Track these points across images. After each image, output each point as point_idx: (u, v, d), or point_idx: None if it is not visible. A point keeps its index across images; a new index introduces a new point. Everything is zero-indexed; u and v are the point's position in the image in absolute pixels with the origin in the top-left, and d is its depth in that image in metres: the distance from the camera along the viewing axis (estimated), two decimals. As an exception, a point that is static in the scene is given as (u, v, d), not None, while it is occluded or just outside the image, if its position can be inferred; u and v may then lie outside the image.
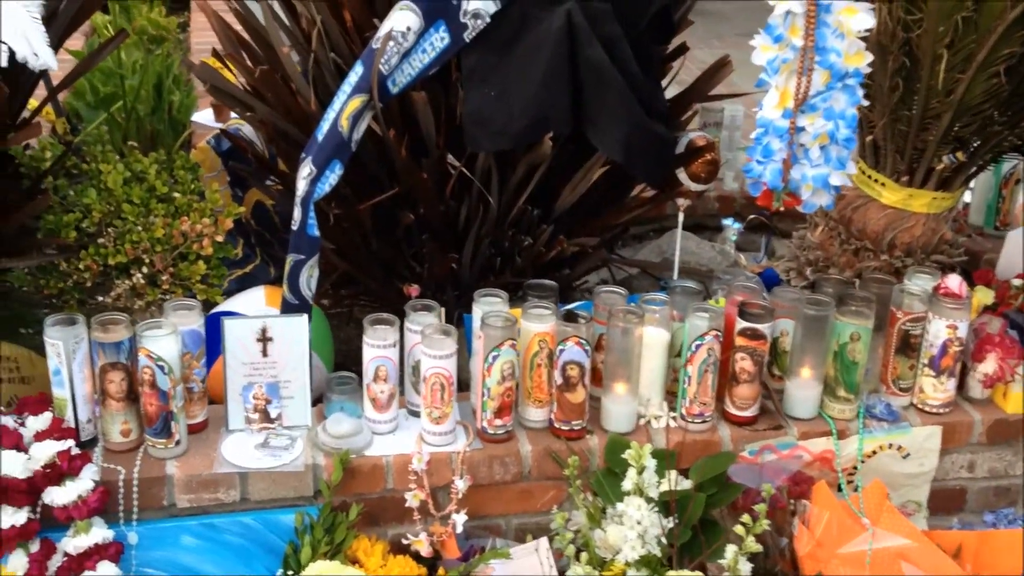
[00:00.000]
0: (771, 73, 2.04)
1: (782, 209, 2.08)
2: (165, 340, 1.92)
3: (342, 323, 2.89)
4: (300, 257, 2.26)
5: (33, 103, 2.75)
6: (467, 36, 2.25)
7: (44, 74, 2.57)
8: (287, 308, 2.30)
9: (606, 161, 2.35)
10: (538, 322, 2.03)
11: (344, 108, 2.23)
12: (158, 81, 3.36)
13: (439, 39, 2.26)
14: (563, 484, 2.08)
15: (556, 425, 2.07)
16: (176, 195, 2.64)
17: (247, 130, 3.04)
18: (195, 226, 2.57)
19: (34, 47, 2.20)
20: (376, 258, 2.64)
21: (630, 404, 2.07)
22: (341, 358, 2.61)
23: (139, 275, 2.55)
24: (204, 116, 3.57)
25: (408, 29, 2.22)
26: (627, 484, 1.88)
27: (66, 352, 1.92)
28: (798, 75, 2.00)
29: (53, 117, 2.98)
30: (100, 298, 2.60)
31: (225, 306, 2.50)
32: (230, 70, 2.77)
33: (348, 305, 2.99)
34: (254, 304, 2.47)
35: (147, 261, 2.56)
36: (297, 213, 2.26)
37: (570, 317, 2.03)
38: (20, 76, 2.42)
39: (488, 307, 2.09)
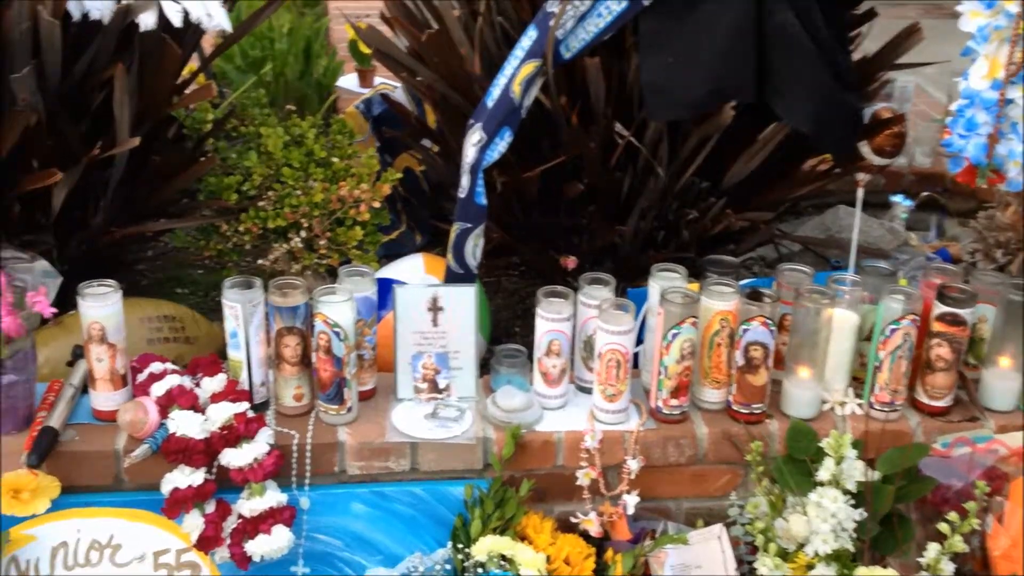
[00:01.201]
0: (980, 41, 1.91)
1: (985, 186, 1.95)
2: (341, 307, 1.89)
3: (491, 292, 2.85)
4: (467, 226, 2.21)
5: (188, 67, 2.76)
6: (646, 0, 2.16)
7: (199, 38, 2.57)
8: (451, 277, 2.26)
9: (787, 132, 2.25)
10: (720, 300, 1.95)
11: (517, 73, 2.17)
12: (307, 45, 3.36)
13: (616, 2, 2.18)
14: (738, 469, 2.01)
15: (735, 408, 1.99)
16: (334, 160, 2.62)
17: (398, 95, 3.01)
18: (353, 191, 2.55)
19: (208, 8, 2.19)
20: (534, 228, 2.58)
21: (814, 389, 1.98)
22: (491, 328, 2.56)
23: (297, 239, 2.54)
24: (348, 81, 3.56)
25: (586, -8, 2.15)
26: (823, 474, 1.79)
27: (243, 315, 1.90)
28: (1011, 43, 1.87)
29: (203, 80, 2.99)
30: (258, 261, 2.61)
31: (384, 273, 2.47)
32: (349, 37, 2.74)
33: (498, 275, 2.95)
34: (413, 271, 2.44)
35: (305, 225, 2.55)
36: (465, 181, 2.21)
37: (754, 296, 1.94)
38: (183, 38, 2.42)
39: (667, 282, 2.01)
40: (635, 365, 2.06)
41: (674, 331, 1.92)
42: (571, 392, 2.07)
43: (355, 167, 2.63)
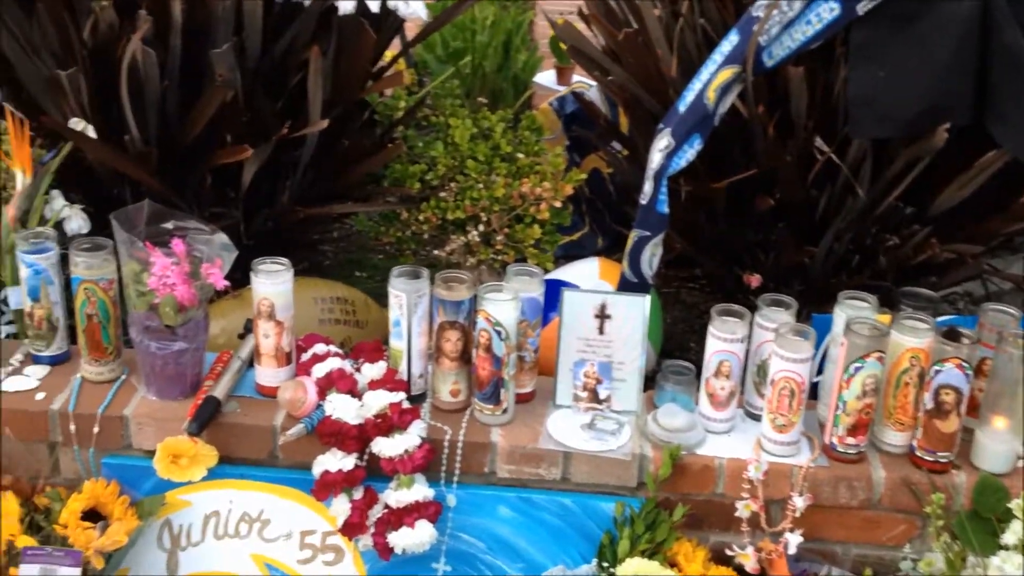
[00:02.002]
0: None
1: None
2: (505, 305, 1.84)
3: (667, 304, 2.75)
4: (645, 234, 2.13)
5: (388, 54, 2.78)
6: (860, 8, 2.01)
7: (400, 25, 2.58)
8: (625, 285, 2.18)
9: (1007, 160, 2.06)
10: (912, 335, 1.79)
11: (713, 79, 2.07)
12: (507, 39, 3.34)
13: (827, 10, 2.04)
14: (916, 520, 1.84)
15: (918, 453, 1.83)
16: (519, 156, 2.58)
17: (592, 95, 2.95)
18: (535, 189, 2.50)
19: (403, -8, 2.19)
20: (718, 241, 2.47)
21: (1010, 442, 1.80)
22: (663, 341, 2.47)
23: (475, 233, 2.52)
24: (546, 77, 3.52)
25: (795, -3, 2.02)
26: (1010, 537, 1.62)
27: (408, 305, 1.88)
28: None
29: (403, 67, 3.01)
30: (435, 251, 2.60)
31: (557, 274, 2.42)
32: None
33: (676, 286, 2.84)
34: (587, 275, 2.37)
35: (484, 220, 2.52)
36: (648, 187, 2.12)
37: (951, 335, 1.78)
38: (383, 25, 2.43)
39: (854, 311, 1.87)
40: (812, 396, 1.92)
41: (857, 364, 1.77)
42: (738, 417, 1.95)
43: (540, 164, 2.58)
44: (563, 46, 3.40)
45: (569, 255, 2.77)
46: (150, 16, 2.03)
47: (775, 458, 1.85)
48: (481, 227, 2.52)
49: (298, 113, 2.33)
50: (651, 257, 2.15)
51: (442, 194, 2.53)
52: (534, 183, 2.50)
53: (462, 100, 2.76)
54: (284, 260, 1.92)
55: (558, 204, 2.52)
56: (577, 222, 2.98)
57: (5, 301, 2.14)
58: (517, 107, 3.34)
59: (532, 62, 3.36)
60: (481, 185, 2.51)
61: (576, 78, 3.47)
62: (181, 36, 2.12)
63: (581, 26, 2.59)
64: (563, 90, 3.36)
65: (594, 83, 3.32)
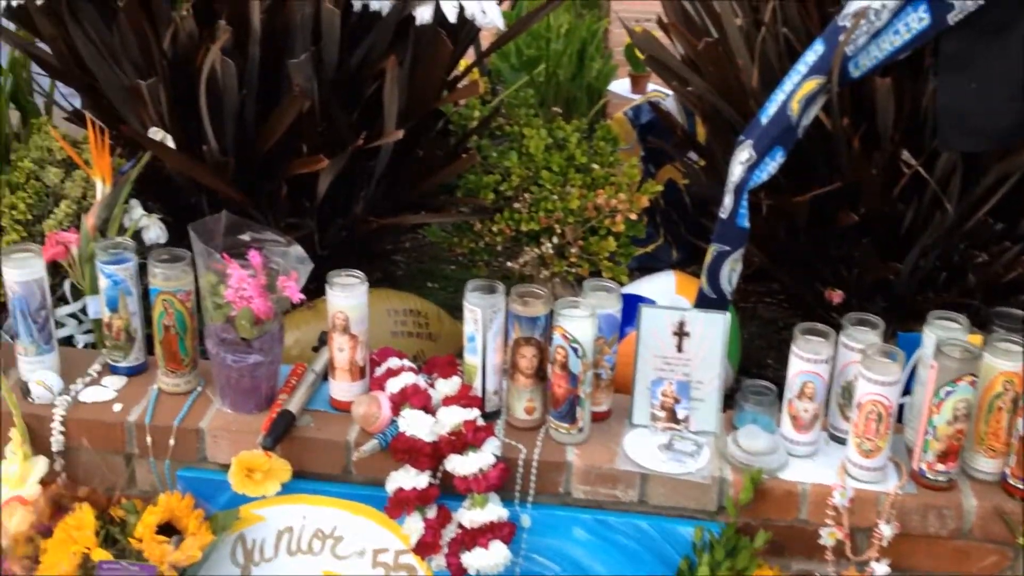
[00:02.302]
0: None
1: None
2: (582, 322, 1.80)
3: (744, 319, 2.69)
4: (725, 248, 2.08)
5: (463, 63, 2.76)
6: (951, 18, 1.94)
7: (476, 34, 2.56)
8: (703, 301, 2.13)
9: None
10: (1005, 358, 1.72)
11: (797, 90, 2.01)
12: (582, 47, 3.30)
13: (916, 19, 1.97)
14: (1008, 551, 1.77)
15: (1011, 482, 1.75)
16: (594, 166, 2.54)
17: (668, 104, 2.90)
18: (610, 201, 2.46)
19: (483, 4, 2.17)
20: (799, 255, 2.41)
21: (1111, 473, 1.72)
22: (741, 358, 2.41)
23: (549, 245, 2.49)
24: (621, 86, 3.48)
25: (883, 7, 1.95)
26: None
27: (483, 320, 1.85)
28: None
29: (477, 77, 2.99)
30: (508, 263, 2.57)
31: (633, 288, 2.38)
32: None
33: (754, 301, 2.78)
34: (664, 290, 2.32)
35: (558, 231, 2.49)
36: (728, 201, 2.07)
37: (1049, 359, 1.70)
38: (459, 34, 2.41)
39: (944, 332, 1.80)
40: (898, 419, 1.86)
41: (948, 388, 1.71)
42: (821, 440, 1.89)
43: (615, 175, 2.54)
44: (640, 55, 3.36)
45: (643, 267, 2.72)
46: (230, 26, 2.03)
47: (861, 484, 1.79)
48: (555, 239, 2.49)
49: (373, 123, 2.32)
50: (730, 273, 2.10)
51: (516, 205, 2.50)
52: (609, 195, 2.46)
53: (536, 110, 2.73)
54: (359, 273, 1.91)
55: (634, 216, 2.47)
56: (651, 234, 2.93)
57: (84, 310, 2.16)
58: (591, 116, 3.30)
59: (607, 70, 3.32)
60: (556, 196, 2.48)
61: (651, 87, 3.42)
62: (260, 45, 2.12)
63: (659, 34, 2.54)
64: (638, 99, 3.32)
65: (670, 92, 3.28)
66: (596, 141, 2.62)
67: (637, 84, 3.47)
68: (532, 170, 2.52)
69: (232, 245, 1.88)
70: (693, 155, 2.79)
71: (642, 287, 2.36)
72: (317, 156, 2.23)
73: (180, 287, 1.90)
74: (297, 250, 1.90)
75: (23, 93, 2.74)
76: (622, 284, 2.47)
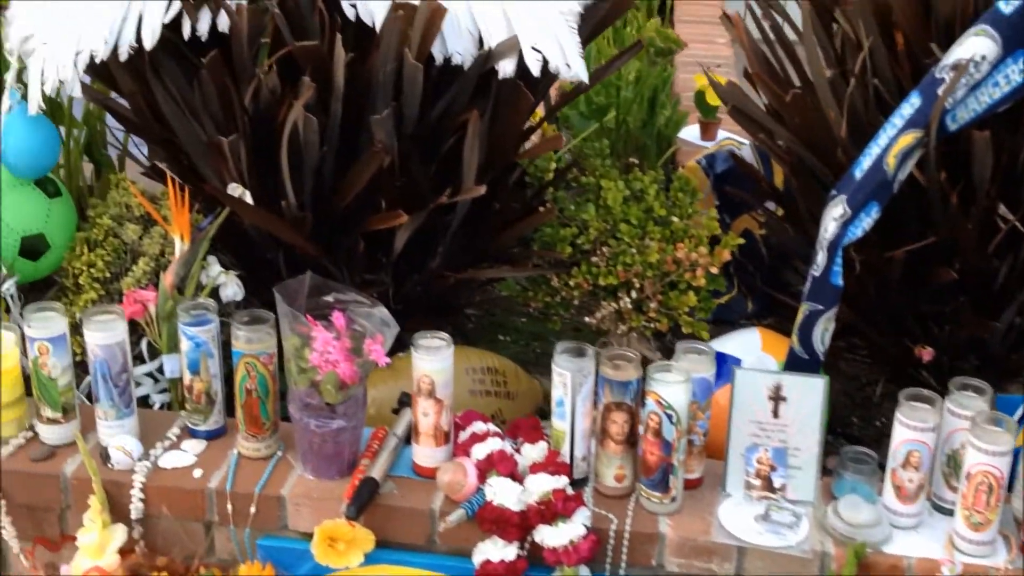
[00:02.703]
0: None
1: None
2: (677, 388, 1.74)
3: (826, 375, 2.60)
4: (818, 307, 2.01)
5: (536, 113, 2.72)
6: (1055, 70, 1.88)
7: (550, 84, 2.52)
8: (794, 361, 2.06)
9: None
10: None
11: (893, 144, 1.95)
12: (653, 95, 3.26)
13: (1016, 71, 1.91)
14: None
15: None
16: (673, 219, 2.49)
17: (744, 152, 2.84)
18: (690, 254, 2.40)
19: (567, 57, 2.13)
20: (888, 311, 2.33)
21: None
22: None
23: (627, 299, 2.43)
24: (690, 132, 3.42)
25: (983, 58, 1.89)
26: None
27: (572, 384, 1.80)
28: None
29: (549, 129, 2.96)
30: (586, 319, 2.52)
31: (715, 344, 2.30)
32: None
33: (836, 356, 2.70)
34: (749, 347, 2.26)
35: (637, 286, 2.43)
36: (820, 258, 2.01)
37: None
38: (537, 85, 2.37)
39: (1058, 400, 1.72)
40: (1008, 489, 1.77)
41: (1065, 461, 1.63)
42: (925, 511, 1.81)
43: (694, 228, 2.49)
44: (714, 101, 3.32)
45: (717, 319, 2.65)
46: (314, 83, 2.01)
47: (970, 558, 1.71)
48: (634, 293, 2.43)
49: (451, 176, 2.29)
50: (823, 332, 2.03)
51: (594, 259, 2.45)
52: (690, 248, 2.40)
53: (612, 160, 2.68)
54: (444, 335, 1.87)
55: (715, 270, 2.41)
56: (727, 285, 2.86)
57: (160, 369, 2.13)
58: (661, 164, 3.25)
59: (677, 118, 3.26)
60: (634, 250, 2.42)
61: (722, 134, 3.36)
62: (342, 101, 2.09)
63: (726, 74, 2.49)
64: (709, 146, 3.26)
65: (745, 140, 3.21)
66: (674, 192, 2.57)
67: (707, 131, 3.41)
68: (610, 223, 2.47)
69: (315, 306, 1.85)
70: (771, 204, 2.73)
71: (726, 344, 2.30)
72: (396, 212, 2.19)
73: (263, 350, 1.86)
74: (381, 311, 1.86)
75: (97, 146, 2.74)
76: (703, 340, 2.41)
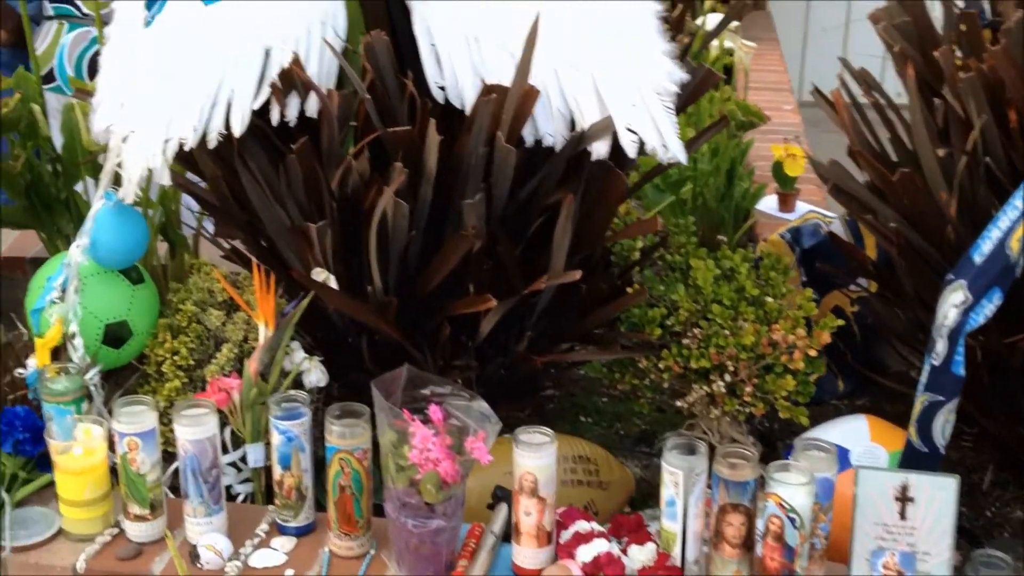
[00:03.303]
0: None
1: None
2: (800, 489, 1.64)
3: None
4: (938, 398, 1.91)
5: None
6: None
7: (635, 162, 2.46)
8: (912, 456, 1.95)
9: None
10: None
11: (1016, 227, 1.86)
12: (730, 166, 3.18)
13: None
14: None
15: None
16: (767, 298, 2.40)
17: (836, 227, 2.76)
18: (787, 336, 2.31)
19: (664, 137, 2.06)
20: (1004, 398, 2.22)
21: None
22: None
23: (720, 383, 2.34)
24: (767, 204, 3.34)
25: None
26: None
27: (684, 484, 1.71)
28: None
29: (632, 212, 2.90)
30: (676, 402, 2.42)
31: (818, 432, 2.21)
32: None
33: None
34: (857, 436, 2.15)
35: (730, 369, 2.34)
36: (940, 347, 1.91)
37: None
38: (626, 164, 2.30)
39: None
40: None
41: None
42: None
43: (788, 308, 2.39)
44: (793, 172, 3.24)
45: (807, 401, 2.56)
46: (405, 168, 1.96)
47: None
48: (727, 377, 2.34)
49: (538, 257, 2.22)
50: (944, 424, 1.93)
51: (685, 341, 2.36)
52: (786, 330, 2.31)
53: (699, 237, 2.61)
54: (547, 430, 1.79)
55: (813, 353, 2.31)
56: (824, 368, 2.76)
57: (243, 459, 2.06)
58: (739, 236, 3.17)
59: (756, 190, 3.19)
60: (727, 331, 2.33)
61: (804, 206, 3.28)
62: (432, 186, 2.04)
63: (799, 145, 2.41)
64: (790, 218, 3.18)
65: (827, 212, 3.14)
66: (765, 270, 2.48)
67: (785, 202, 3.33)
68: (701, 303, 2.39)
69: (412, 399, 1.78)
70: (862, 280, 2.64)
71: (830, 432, 2.19)
72: (484, 296, 2.12)
73: (358, 445, 1.79)
74: (480, 405, 1.78)
75: (172, 226, 2.71)
76: (803, 426, 2.31)
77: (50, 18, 3.50)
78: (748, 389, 2.34)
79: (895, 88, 2.39)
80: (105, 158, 2.10)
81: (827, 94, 2.35)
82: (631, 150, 2.04)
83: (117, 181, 2.07)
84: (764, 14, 6.15)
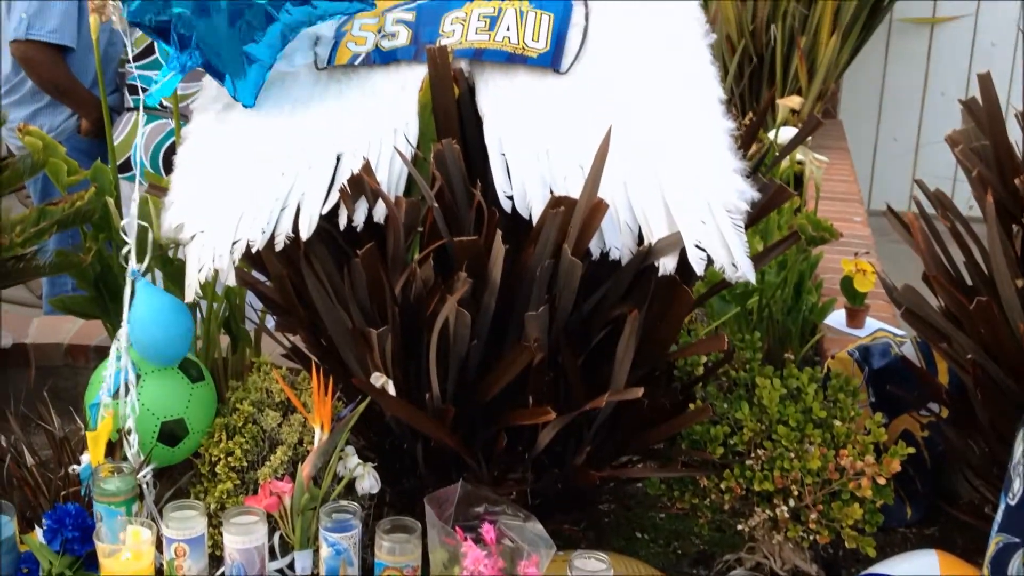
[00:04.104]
0: None
1: None
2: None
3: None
4: (1013, 540, 1.82)
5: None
6: None
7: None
8: (987, 599, 1.86)
9: None
10: None
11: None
12: (799, 280, 3.13)
13: None
14: None
15: None
16: (835, 422, 2.32)
17: (907, 349, 2.68)
18: (856, 462, 2.23)
19: (734, 256, 2.03)
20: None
21: None
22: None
23: (783, 507, 2.26)
24: (835, 319, 3.27)
25: None
26: None
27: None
28: None
29: (700, 328, 2.86)
30: (738, 527, 2.34)
31: (886, 568, 2.12)
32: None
33: None
34: (926, 573, 2.05)
35: (795, 493, 2.26)
36: (1017, 485, 1.83)
37: None
38: (692, 278, 2.27)
39: None
40: None
41: None
42: None
43: (857, 432, 2.32)
44: (863, 287, 3.18)
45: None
46: (470, 278, 1.94)
47: None
48: (791, 501, 2.25)
49: (599, 368, 2.18)
50: (1020, 568, 1.83)
51: (748, 462, 2.29)
52: (854, 456, 2.23)
53: (764, 352, 2.55)
54: (602, 555, 1.73)
55: (882, 481, 2.23)
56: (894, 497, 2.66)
57: (291, 566, 2.02)
58: (805, 351, 3.11)
59: (824, 305, 3.13)
60: (793, 454, 2.26)
61: (874, 324, 3.21)
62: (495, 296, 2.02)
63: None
64: (859, 336, 3.11)
65: (898, 331, 3.06)
66: (833, 391, 2.41)
67: (854, 318, 3.26)
68: (765, 423, 2.32)
69: (464, 517, 1.74)
70: (934, 405, 2.56)
71: (898, 567, 2.10)
72: (544, 408, 2.08)
73: (408, 562, 1.75)
74: (535, 527, 1.74)
75: (236, 320, 2.72)
76: (870, 557, 2.22)
77: (130, 109, 3.60)
78: (813, 515, 2.26)
79: (964, 194, 2.33)
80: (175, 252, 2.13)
81: (899, 212, 2.31)
82: (699, 268, 2.01)
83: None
84: (835, 122, 6.14)
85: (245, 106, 2.15)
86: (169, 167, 2.28)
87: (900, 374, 2.63)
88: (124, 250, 2.16)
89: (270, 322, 2.59)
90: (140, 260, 2.14)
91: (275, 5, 2.08)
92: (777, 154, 2.56)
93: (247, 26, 2.08)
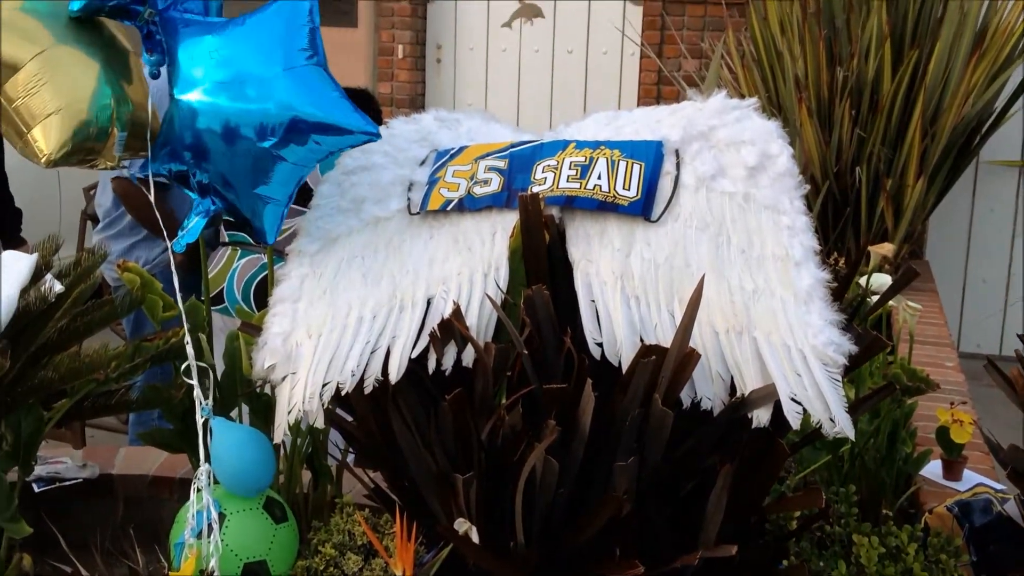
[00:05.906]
0: None
1: None
2: None
3: None
4: None
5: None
6: None
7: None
8: None
9: None
10: None
11: None
12: (893, 429, 3.03)
13: None
14: None
15: None
16: (938, 585, 2.21)
17: (1010, 507, 2.56)
18: (958, 629, 2.11)
19: (832, 411, 1.97)
20: None
21: None
22: None
23: (883, 675, 2.14)
24: (932, 470, 3.15)
25: None
26: None
27: None
28: None
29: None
30: None
31: None
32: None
33: None
34: None
35: (896, 661, 2.14)
36: None
37: None
38: (785, 429, 2.21)
39: None
40: None
41: None
42: None
43: (960, 595, 2.20)
44: (961, 439, 3.06)
45: None
46: (558, 426, 1.91)
47: None
48: (892, 670, 2.13)
49: (688, 519, 2.11)
50: None
51: (841, 626, 2.18)
52: (956, 622, 2.11)
53: (859, 511, 2.45)
54: None
55: (990, 650, 2.10)
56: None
57: None
58: (900, 503, 2.98)
59: (920, 455, 3.02)
60: (892, 619, 2.15)
61: (971, 477, 3.08)
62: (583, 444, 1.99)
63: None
64: (958, 489, 2.99)
65: (1000, 486, 2.94)
66: (934, 552, 2.31)
67: (951, 469, 3.13)
68: (862, 584, 2.22)
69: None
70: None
71: None
72: (631, 561, 2.02)
73: None
74: None
75: (318, 456, 2.71)
76: None
77: (224, 244, 3.70)
78: None
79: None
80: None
81: (995, 360, 2.23)
82: (795, 421, 1.95)
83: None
84: (921, 263, 6.05)
85: (266, 245, 2.23)
86: (260, 302, 2.31)
87: (1003, 532, 2.51)
88: (203, 390, 2.18)
89: (350, 458, 2.58)
90: (206, 397, 2.16)
91: (278, 150, 2.10)
92: (872, 304, 2.52)
93: (257, 169, 2.12)
